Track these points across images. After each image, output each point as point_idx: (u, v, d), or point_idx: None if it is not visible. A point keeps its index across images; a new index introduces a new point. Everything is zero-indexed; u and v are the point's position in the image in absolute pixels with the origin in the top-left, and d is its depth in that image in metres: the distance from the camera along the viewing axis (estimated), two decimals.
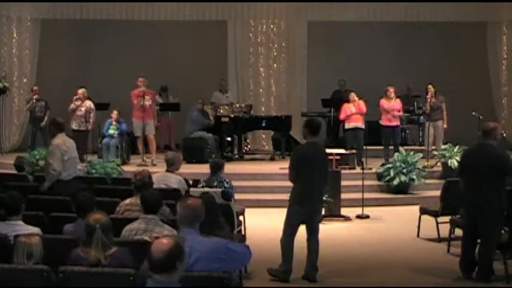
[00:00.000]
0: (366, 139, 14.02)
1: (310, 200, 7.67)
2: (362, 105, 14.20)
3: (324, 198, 10.94)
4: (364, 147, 13.75)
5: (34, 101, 14.82)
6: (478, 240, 7.66)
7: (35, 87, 15.23)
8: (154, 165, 13.65)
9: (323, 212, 11.01)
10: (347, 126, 14.27)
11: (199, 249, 4.71)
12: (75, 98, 14.29)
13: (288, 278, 7.63)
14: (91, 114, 14.37)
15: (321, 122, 8.29)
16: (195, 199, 5.25)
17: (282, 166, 12.15)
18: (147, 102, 14.08)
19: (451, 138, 14.37)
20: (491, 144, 7.55)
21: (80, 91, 14.44)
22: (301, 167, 7.63)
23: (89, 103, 14.45)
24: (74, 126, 14.45)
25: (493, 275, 7.54)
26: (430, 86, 14.31)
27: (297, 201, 7.65)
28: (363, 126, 14.15)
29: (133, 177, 7.64)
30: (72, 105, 14.26)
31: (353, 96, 14.26)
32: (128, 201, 7.13)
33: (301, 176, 7.62)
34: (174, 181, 8.89)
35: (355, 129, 14.09)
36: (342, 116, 14.38)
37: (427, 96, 14.17)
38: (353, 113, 14.12)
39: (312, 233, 7.77)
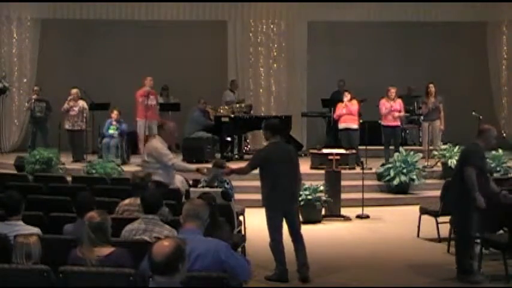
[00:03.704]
0: (365, 139, 14.01)
1: (282, 201, 7.60)
2: (354, 106, 14.19)
3: (324, 198, 11.02)
4: (364, 147, 13.76)
5: (33, 100, 14.82)
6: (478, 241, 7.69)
7: (36, 88, 15.24)
8: None
9: (323, 212, 11.08)
10: (339, 126, 14.31)
11: (199, 248, 4.73)
12: (69, 98, 14.35)
13: (287, 278, 7.64)
14: (84, 114, 14.45)
15: (279, 122, 8.48)
16: (199, 200, 5.36)
17: None
18: (152, 102, 14.18)
19: (451, 138, 14.36)
20: (474, 142, 7.60)
21: (73, 91, 14.51)
22: (266, 168, 7.62)
23: (82, 103, 14.52)
24: (68, 126, 14.51)
25: (469, 273, 7.46)
26: (431, 85, 14.29)
27: (269, 203, 7.63)
28: (356, 127, 14.14)
29: (132, 177, 7.64)
30: (66, 106, 14.32)
31: (346, 95, 14.28)
32: (127, 201, 7.14)
33: (268, 177, 7.60)
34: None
35: (347, 129, 14.11)
36: (335, 115, 14.49)
37: (431, 99, 14.13)
38: (343, 113, 14.13)
39: (294, 232, 7.72)
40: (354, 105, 14.22)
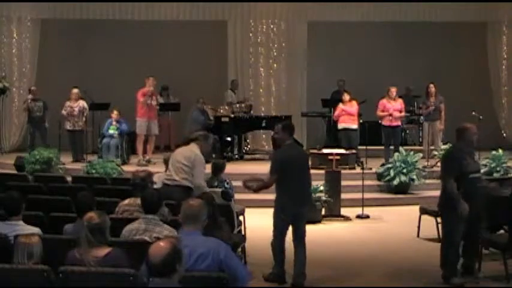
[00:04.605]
0: (364, 139, 14.01)
1: (294, 204, 7.49)
2: (353, 107, 14.19)
3: (324, 198, 11.02)
4: (364, 147, 13.76)
5: (29, 101, 14.81)
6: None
7: (33, 88, 15.23)
8: (154, 163, 13.76)
9: (323, 212, 11.09)
10: (339, 126, 14.32)
11: (200, 249, 4.73)
12: (66, 103, 14.35)
13: (284, 280, 7.55)
14: (85, 114, 14.47)
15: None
16: (197, 200, 5.27)
17: None
18: (153, 102, 14.20)
19: (451, 138, 14.34)
20: (455, 145, 7.61)
21: (74, 91, 14.53)
22: (283, 170, 7.47)
23: (82, 103, 14.54)
24: (68, 126, 14.51)
25: (451, 277, 7.43)
26: (431, 86, 14.27)
27: (281, 205, 7.50)
28: (355, 127, 14.15)
29: (132, 177, 7.64)
30: (63, 112, 14.34)
31: (345, 96, 14.30)
32: (126, 201, 7.13)
33: (284, 179, 7.46)
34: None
35: (346, 130, 14.11)
36: (334, 116, 14.50)
37: (431, 99, 14.12)
38: (343, 114, 14.13)
39: (298, 237, 7.59)
40: (353, 107, 14.22)
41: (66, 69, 17.01)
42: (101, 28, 17.15)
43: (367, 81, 16.36)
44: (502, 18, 16.87)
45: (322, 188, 11.08)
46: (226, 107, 15.58)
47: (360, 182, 11.67)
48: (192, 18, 16.68)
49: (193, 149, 8.49)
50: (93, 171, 12.29)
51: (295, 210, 7.53)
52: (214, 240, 4.90)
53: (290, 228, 7.66)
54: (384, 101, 14.06)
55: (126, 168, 13.24)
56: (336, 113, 14.38)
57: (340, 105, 14.31)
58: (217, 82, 16.85)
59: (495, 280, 7.55)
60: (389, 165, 12.75)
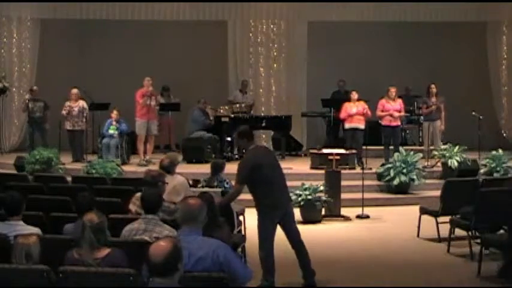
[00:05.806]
0: (366, 139, 14.00)
1: (282, 202, 7.33)
2: (367, 108, 14.06)
3: (324, 198, 11.02)
4: (364, 147, 13.75)
5: (27, 101, 14.81)
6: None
7: (34, 87, 15.23)
8: (154, 163, 13.75)
9: (323, 212, 11.08)
10: (347, 126, 14.18)
11: (199, 251, 4.70)
12: (66, 104, 14.34)
13: None
14: (84, 114, 14.47)
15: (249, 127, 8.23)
16: (196, 199, 5.22)
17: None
18: (153, 102, 14.20)
19: (451, 138, 14.38)
20: None
21: (74, 91, 14.53)
22: (257, 174, 7.22)
23: (81, 103, 14.55)
24: (68, 126, 14.52)
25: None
26: (433, 86, 14.22)
27: (269, 208, 7.24)
28: (363, 127, 14.09)
29: (144, 175, 7.65)
30: (64, 112, 14.32)
31: (354, 95, 14.17)
32: (139, 194, 7.07)
33: (262, 182, 7.23)
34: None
35: (355, 129, 14.04)
36: (342, 115, 14.25)
37: (432, 99, 14.09)
38: (354, 113, 14.04)
39: (295, 238, 7.42)
40: (367, 108, 14.05)
41: (66, 69, 17.01)
42: (101, 28, 17.14)
43: (367, 81, 16.33)
44: (502, 18, 16.86)
45: (322, 188, 11.08)
46: (226, 107, 15.60)
47: (360, 182, 11.66)
48: (192, 18, 16.68)
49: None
50: (93, 171, 12.29)
51: (284, 207, 7.39)
52: (214, 241, 4.86)
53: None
54: (383, 101, 14.04)
55: (126, 168, 13.24)
56: (347, 112, 14.03)
57: (351, 106, 14.07)
58: (217, 82, 16.84)
59: (495, 280, 7.55)
60: (389, 165, 12.74)
